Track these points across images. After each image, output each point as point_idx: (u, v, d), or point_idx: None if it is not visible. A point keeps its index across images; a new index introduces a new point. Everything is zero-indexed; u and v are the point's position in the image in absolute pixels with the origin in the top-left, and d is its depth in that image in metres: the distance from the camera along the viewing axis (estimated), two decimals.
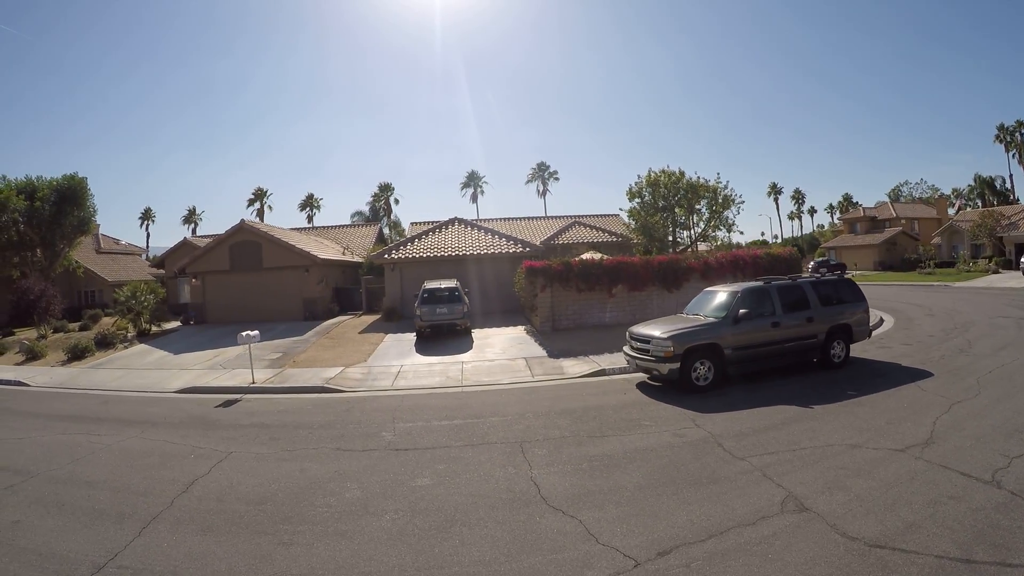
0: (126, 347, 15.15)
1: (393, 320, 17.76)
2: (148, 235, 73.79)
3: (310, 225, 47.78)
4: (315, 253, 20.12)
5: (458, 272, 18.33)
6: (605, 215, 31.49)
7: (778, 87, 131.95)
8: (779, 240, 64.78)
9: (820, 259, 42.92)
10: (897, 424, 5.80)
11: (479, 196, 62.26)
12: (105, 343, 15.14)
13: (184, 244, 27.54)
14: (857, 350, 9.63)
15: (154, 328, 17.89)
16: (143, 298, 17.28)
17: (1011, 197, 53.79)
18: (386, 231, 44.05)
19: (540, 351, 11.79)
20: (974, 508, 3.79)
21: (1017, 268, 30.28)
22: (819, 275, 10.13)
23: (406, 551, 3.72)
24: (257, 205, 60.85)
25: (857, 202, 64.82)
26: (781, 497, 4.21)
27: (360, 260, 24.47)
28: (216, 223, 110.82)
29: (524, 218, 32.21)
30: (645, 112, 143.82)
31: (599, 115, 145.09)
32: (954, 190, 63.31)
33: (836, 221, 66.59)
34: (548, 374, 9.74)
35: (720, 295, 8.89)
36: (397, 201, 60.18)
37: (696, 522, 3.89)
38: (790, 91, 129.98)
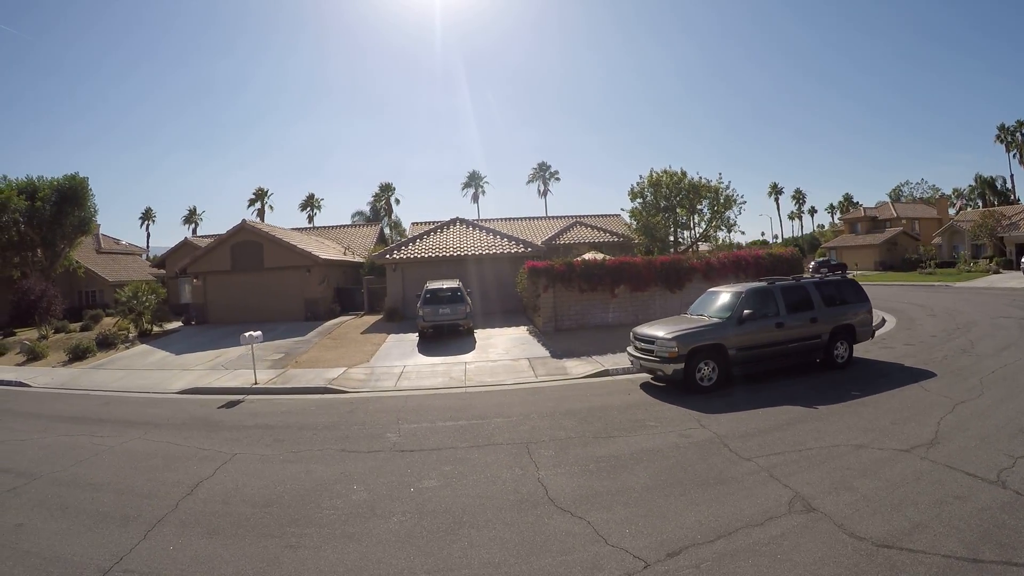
0: (127, 347, 15.13)
1: (395, 320, 17.75)
2: (148, 235, 73.82)
3: (311, 225, 47.74)
4: (316, 253, 20.10)
5: (460, 272, 18.32)
6: (606, 215, 31.48)
7: (778, 87, 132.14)
8: (779, 240, 64.81)
9: (821, 259, 42.97)
10: (902, 424, 5.81)
11: (480, 196, 62.32)
12: (106, 343, 15.12)
13: (185, 244, 27.52)
14: (860, 350, 9.64)
15: (155, 328, 17.87)
16: (144, 298, 17.26)
17: (1012, 197, 53.81)
18: (387, 231, 44.04)
19: (543, 351, 11.78)
20: (980, 508, 3.81)
21: (1018, 268, 30.29)
22: (820, 275, 10.12)
23: (415, 553, 3.71)
24: (258, 205, 60.85)
25: (858, 202, 64.88)
26: (788, 497, 4.23)
27: (361, 260, 24.46)
28: (217, 223, 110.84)
29: (525, 218, 32.20)
30: (645, 112, 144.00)
31: (599, 115, 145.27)
32: (955, 190, 63.38)
33: (836, 221, 66.62)
34: (551, 375, 9.73)
35: (724, 296, 8.88)
36: (398, 201, 60.27)
37: (704, 523, 3.89)
38: (790, 91, 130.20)
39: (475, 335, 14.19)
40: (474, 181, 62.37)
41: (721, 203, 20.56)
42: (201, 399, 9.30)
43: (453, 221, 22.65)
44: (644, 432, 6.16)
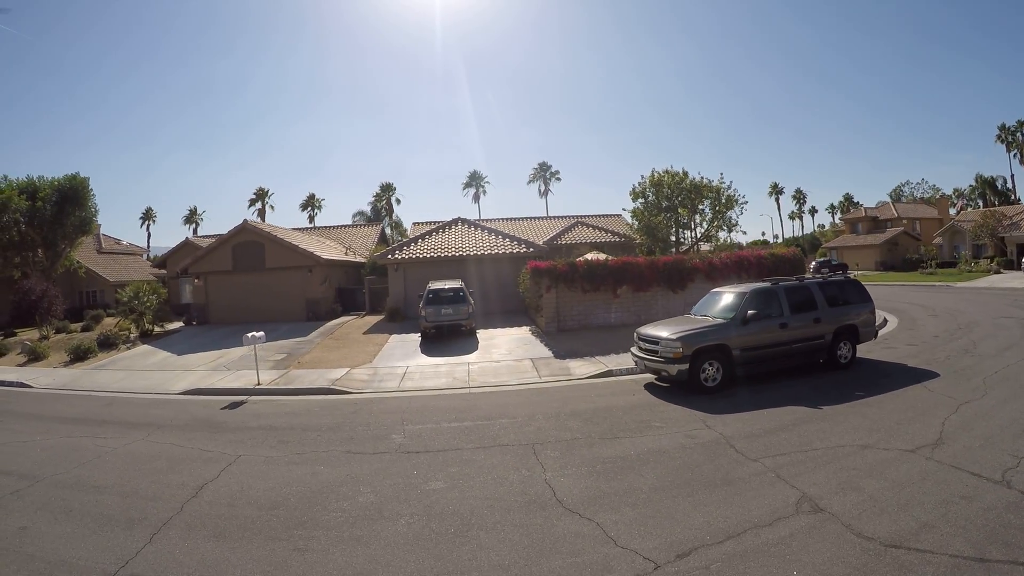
0: (129, 348, 15.11)
1: (397, 320, 17.73)
2: (149, 235, 73.82)
3: (312, 225, 47.72)
4: (318, 253, 20.08)
5: (461, 272, 18.30)
6: (607, 215, 31.48)
7: (778, 87, 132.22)
8: (779, 240, 64.82)
9: (822, 259, 43.01)
10: (906, 425, 5.83)
11: (481, 196, 62.30)
12: (108, 344, 15.09)
13: (186, 244, 27.49)
14: (863, 351, 9.65)
15: (157, 329, 17.85)
16: (146, 298, 17.24)
17: (1012, 197, 53.87)
18: (388, 231, 43.95)
19: (546, 352, 11.76)
20: (986, 508, 3.83)
21: (1019, 268, 30.33)
22: (821, 275, 10.14)
23: (424, 556, 3.69)
24: (258, 205, 60.77)
25: (858, 202, 64.91)
26: (796, 498, 4.23)
27: (363, 260, 24.44)
28: (217, 223, 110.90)
29: (526, 218, 32.19)
30: (646, 112, 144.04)
31: (600, 115, 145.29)
32: (955, 190, 63.37)
33: (837, 221, 66.62)
34: (555, 375, 9.72)
35: (728, 296, 8.88)
36: (399, 201, 60.25)
37: (713, 523, 3.90)
38: (790, 91, 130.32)
39: (477, 335, 14.18)
40: (475, 181, 62.37)
41: (723, 203, 20.55)
42: (204, 400, 9.28)
43: (455, 221, 22.64)
44: (650, 433, 6.15)
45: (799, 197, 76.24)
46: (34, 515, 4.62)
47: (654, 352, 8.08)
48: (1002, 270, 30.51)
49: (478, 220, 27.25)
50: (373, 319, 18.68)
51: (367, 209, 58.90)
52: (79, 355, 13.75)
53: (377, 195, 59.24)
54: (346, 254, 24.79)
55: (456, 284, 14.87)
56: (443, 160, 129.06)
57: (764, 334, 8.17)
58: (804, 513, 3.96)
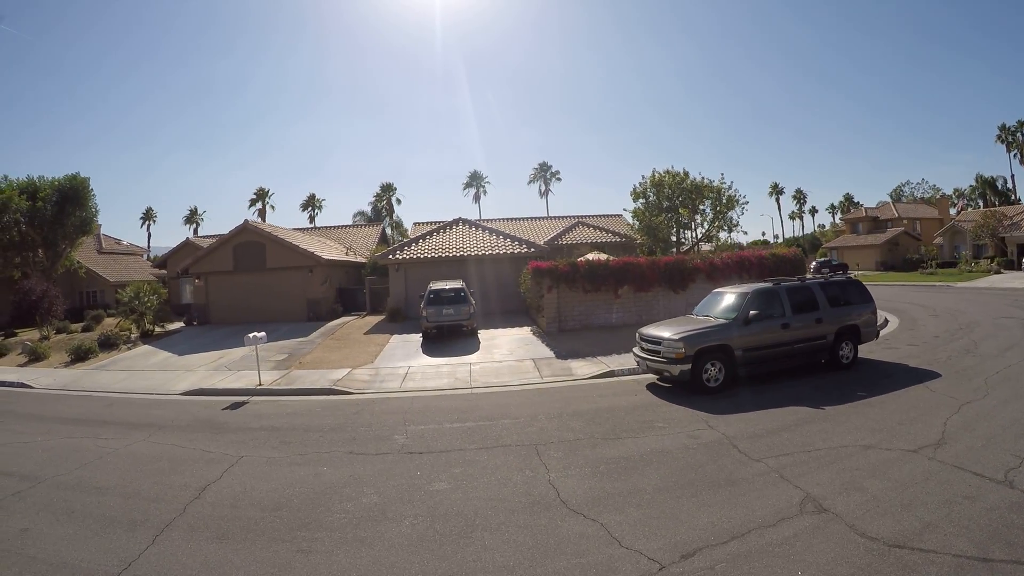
0: (130, 348, 15.09)
1: (398, 321, 17.72)
2: (149, 235, 73.80)
3: (312, 225, 47.69)
4: (319, 253, 20.07)
5: (462, 272, 18.29)
6: (608, 215, 31.48)
7: (778, 87, 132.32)
8: (780, 240, 64.78)
9: (822, 259, 43.01)
10: (908, 425, 5.84)
11: (481, 196, 62.27)
12: (108, 344, 15.08)
13: (186, 244, 27.48)
14: (864, 351, 9.65)
15: (157, 329, 17.83)
16: (146, 299, 17.22)
17: (1012, 197, 53.85)
18: (388, 231, 43.93)
19: (547, 352, 11.76)
20: (989, 508, 3.85)
21: (1019, 268, 30.34)
22: (822, 275, 10.15)
23: (429, 557, 3.68)
24: (259, 205, 60.70)
25: (858, 202, 64.91)
26: (799, 498, 4.25)
27: (363, 260, 24.43)
28: (218, 223, 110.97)
29: (527, 218, 32.18)
30: (646, 112, 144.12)
31: (600, 115, 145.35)
32: (956, 190, 63.37)
33: (837, 221, 66.58)
34: (557, 375, 9.71)
35: (730, 296, 8.87)
36: (399, 201, 60.22)
37: (717, 524, 3.90)
38: (790, 91, 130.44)
39: (479, 336, 14.17)
40: (475, 181, 62.34)
41: (723, 203, 20.54)
42: (205, 400, 9.27)
43: (456, 221, 22.63)
44: (653, 433, 6.15)
45: (799, 197, 76.21)
46: (36, 517, 4.60)
47: (656, 352, 8.08)
48: (1002, 270, 30.52)
49: (479, 220, 27.23)
50: (374, 319, 18.66)
51: (367, 209, 58.92)
52: (80, 355, 13.73)
53: (377, 195, 59.22)
54: (347, 254, 24.78)
55: (457, 284, 14.86)
56: (443, 160, 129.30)
57: (766, 334, 8.16)
58: (808, 513, 3.97)
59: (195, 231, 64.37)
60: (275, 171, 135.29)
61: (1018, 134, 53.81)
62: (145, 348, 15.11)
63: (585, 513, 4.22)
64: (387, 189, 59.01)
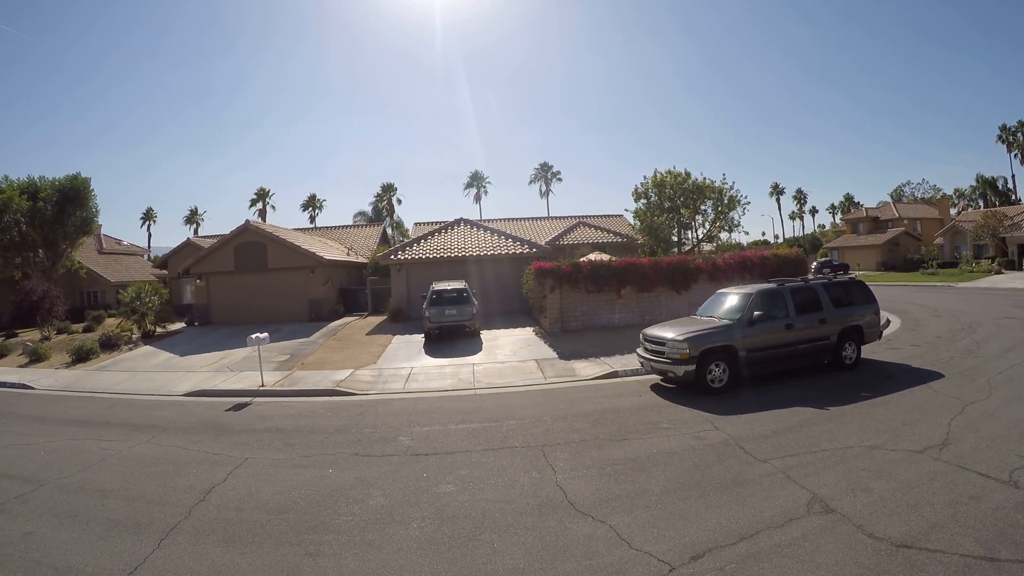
0: (131, 349, 15.06)
1: (400, 321, 17.71)
2: (150, 235, 73.77)
3: (313, 225, 47.68)
4: (320, 254, 20.05)
5: (464, 273, 18.28)
6: (609, 215, 31.49)
7: (778, 87, 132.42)
8: (780, 240, 64.79)
9: (823, 259, 43.04)
10: (913, 425, 5.85)
11: (482, 196, 62.26)
12: (110, 345, 15.05)
13: (187, 245, 27.46)
14: (867, 351, 9.64)
15: (159, 329, 17.80)
16: (148, 299, 17.19)
17: (1013, 197, 53.92)
18: (389, 231, 43.89)
19: (550, 353, 11.74)
20: (994, 508, 3.87)
21: (1020, 268, 30.35)
22: (823, 275, 10.17)
23: (438, 560, 3.67)
24: (259, 205, 60.65)
25: (859, 202, 64.95)
26: (806, 499, 4.26)
27: (364, 261, 24.42)
28: (218, 224, 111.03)
29: (528, 218, 32.18)
30: (646, 112, 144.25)
31: (600, 115, 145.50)
32: (956, 190, 63.44)
33: (838, 221, 66.58)
34: (560, 376, 9.70)
35: (733, 297, 8.87)
36: (400, 201, 60.24)
37: (726, 525, 3.91)
38: (790, 91, 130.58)
39: (481, 336, 14.15)
40: (476, 181, 62.32)
41: (725, 204, 20.54)
42: (208, 401, 9.24)
43: (457, 222, 22.62)
44: (658, 434, 6.15)
45: (800, 197, 76.24)
46: (39, 520, 4.57)
47: (660, 353, 8.07)
48: (1003, 270, 30.55)
49: (480, 220, 27.22)
50: (376, 320, 18.64)
51: (368, 209, 58.87)
52: (81, 356, 13.70)
53: (378, 195, 59.18)
54: (348, 254, 24.76)
55: (460, 285, 14.84)
56: (443, 160, 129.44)
57: (770, 335, 8.16)
58: (815, 514, 3.99)
59: (195, 231, 64.34)
60: (275, 171, 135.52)
61: (1019, 134, 53.85)
62: (146, 349, 15.09)
63: (593, 515, 4.21)
64: (388, 189, 58.98)
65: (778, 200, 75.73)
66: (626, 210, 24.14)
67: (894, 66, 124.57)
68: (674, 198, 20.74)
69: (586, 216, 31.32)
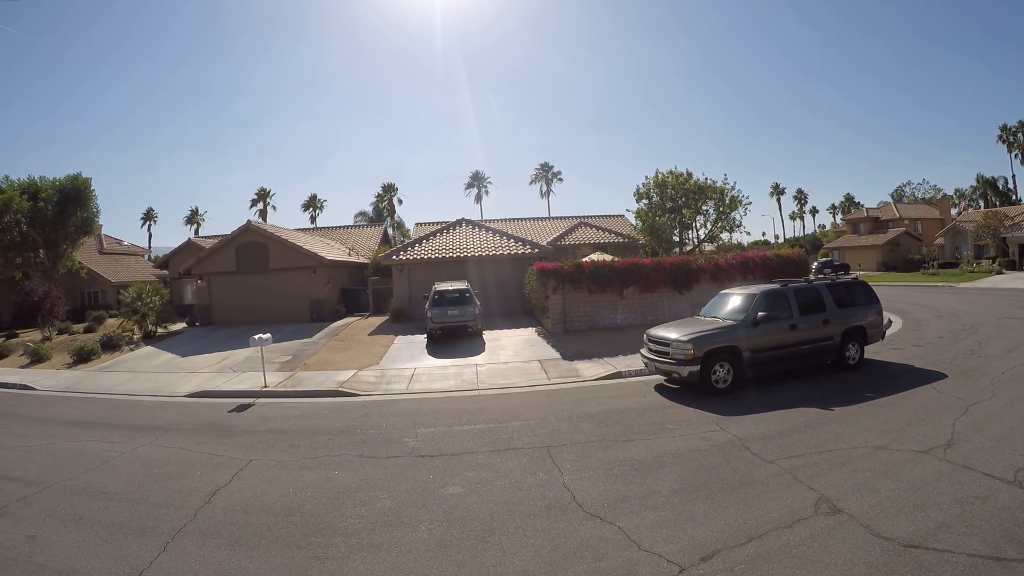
0: (132, 349, 15.03)
1: (402, 321, 17.69)
2: (150, 235, 73.66)
3: (313, 226, 47.64)
4: (322, 254, 20.03)
5: (466, 273, 18.26)
6: (610, 216, 31.50)
7: (779, 87, 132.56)
8: (780, 240, 64.82)
9: (824, 259, 43.07)
10: (917, 426, 5.86)
11: (483, 197, 62.25)
12: (111, 345, 15.01)
13: (188, 245, 27.44)
14: (870, 352, 9.64)
15: (160, 330, 17.77)
16: (149, 299, 17.16)
17: (1013, 197, 53.92)
18: (390, 232, 43.85)
19: (553, 353, 11.73)
20: (1000, 507, 3.89)
21: (1021, 269, 30.36)
22: (823, 275, 10.18)
23: (447, 563, 3.66)
24: (260, 206, 60.55)
25: (859, 202, 65.04)
26: (814, 499, 4.27)
27: (365, 261, 24.41)
28: (219, 224, 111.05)
29: (529, 219, 32.20)
30: (646, 112, 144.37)
31: (600, 115, 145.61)
32: (956, 190, 63.45)
33: (838, 221, 66.62)
34: (564, 377, 9.69)
35: (737, 298, 8.86)
36: (400, 201, 60.22)
37: (734, 526, 3.91)
38: (791, 91, 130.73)
39: (483, 337, 14.12)
40: (477, 181, 62.31)
41: (727, 204, 20.55)
42: (211, 402, 9.22)
43: (459, 222, 22.61)
44: (664, 435, 6.14)
45: (800, 197, 76.20)
46: (43, 523, 4.53)
47: (665, 354, 8.06)
48: (1004, 271, 30.57)
49: (482, 221, 27.23)
50: (377, 320, 18.63)
51: (369, 209, 58.80)
52: (82, 357, 13.66)
53: (379, 195, 59.13)
54: (349, 255, 24.74)
55: (462, 285, 14.82)
56: (443, 160, 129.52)
57: (774, 336, 8.16)
58: (823, 514, 4.00)
59: (196, 231, 64.31)
60: (276, 171, 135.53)
61: (1019, 134, 53.82)
62: (148, 349, 15.06)
63: (602, 516, 4.21)
64: (388, 189, 58.93)
65: (778, 200, 75.76)
66: (627, 210, 24.21)
67: (894, 66, 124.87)
68: (676, 198, 20.75)
69: (587, 216, 31.33)
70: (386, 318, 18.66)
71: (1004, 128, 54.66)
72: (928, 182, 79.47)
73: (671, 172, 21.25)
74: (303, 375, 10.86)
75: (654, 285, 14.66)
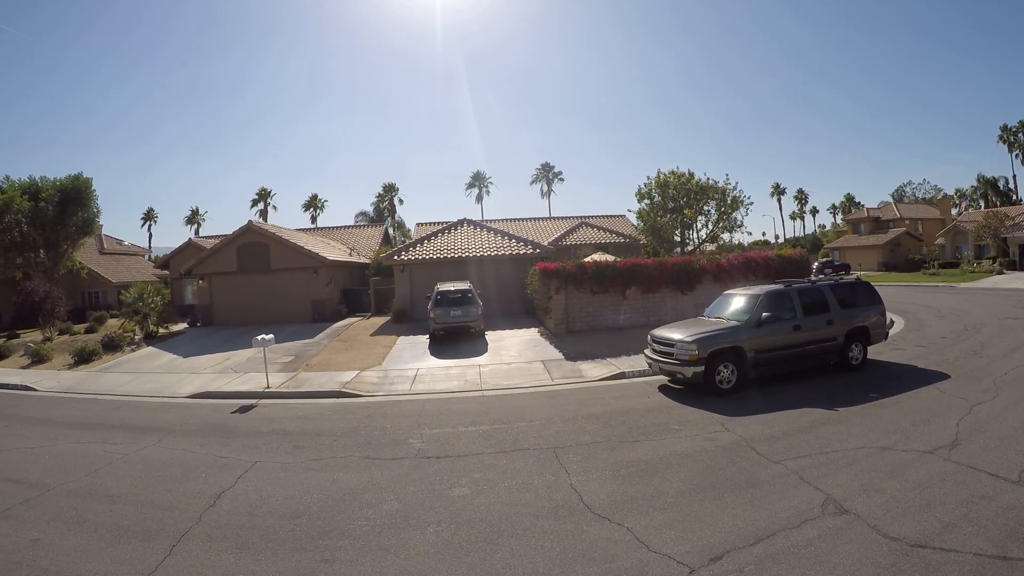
0: (133, 350, 15.01)
1: (403, 322, 17.67)
2: (151, 236, 73.54)
3: (314, 226, 47.64)
4: (323, 254, 20.00)
5: (467, 273, 18.24)
6: (611, 216, 31.50)
7: (778, 87, 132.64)
8: (780, 240, 64.83)
9: (824, 259, 43.07)
10: (922, 426, 5.87)
11: (484, 197, 62.23)
12: (112, 346, 14.98)
13: (189, 245, 27.41)
14: (873, 352, 9.64)
15: (161, 330, 17.74)
16: (150, 300, 17.13)
17: (1014, 198, 53.94)
18: (391, 232, 43.85)
19: (556, 354, 11.72)
20: (1005, 507, 3.90)
21: (1022, 269, 30.37)
22: (825, 276, 10.17)
23: (456, 565, 3.64)
24: (260, 206, 60.48)
25: (860, 202, 65.06)
26: (820, 500, 4.28)
27: (367, 261, 24.39)
28: (219, 224, 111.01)
29: (530, 219, 32.19)
30: (646, 112, 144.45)
31: (600, 115, 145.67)
32: (957, 190, 63.46)
33: (839, 221, 66.64)
34: (567, 377, 9.68)
35: (741, 298, 8.86)
36: (401, 201, 60.25)
37: (742, 527, 3.92)
38: (791, 91, 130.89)
39: (486, 337, 14.11)
40: (478, 181, 62.31)
41: (728, 204, 20.55)
42: (213, 403, 9.20)
43: (460, 222, 22.60)
44: (670, 435, 6.14)
45: (801, 197, 76.20)
46: (46, 526, 4.50)
47: (669, 355, 8.05)
48: (1005, 271, 30.58)
49: (483, 221, 27.22)
50: (379, 320, 18.61)
51: (370, 209, 58.79)
52: (83, 357, 13.63)
53: (380, 195, 59.10)
54: (350, 255, 24.72)
55: (465, 286, 14.80)
56: (444, 160, 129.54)
57: (778, 336, 8.16)
58: (830, 515, 4.01)
59: (196, 231, 64.26)
60: (276, 171, 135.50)
61: (1020, 134, 53.85)
62: (149, 350, 15.03)
63: (610, 517, 4.20)
64: (389, 189, 58.89)
65: (779, 200, 75.76)
66: (629, 210, 24.25)
67: (894, 66, 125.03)
68: (677, 198, 20.74)
69: (588, 216, 31.32)
70: (388, 318, 18.64)
71: (1005, 128, 54.72)
72: (928, 182, 79.58)
73: (673, 172, 21.25)
74: (306, 376, 10.84)
75: (656, 285, 14.65)
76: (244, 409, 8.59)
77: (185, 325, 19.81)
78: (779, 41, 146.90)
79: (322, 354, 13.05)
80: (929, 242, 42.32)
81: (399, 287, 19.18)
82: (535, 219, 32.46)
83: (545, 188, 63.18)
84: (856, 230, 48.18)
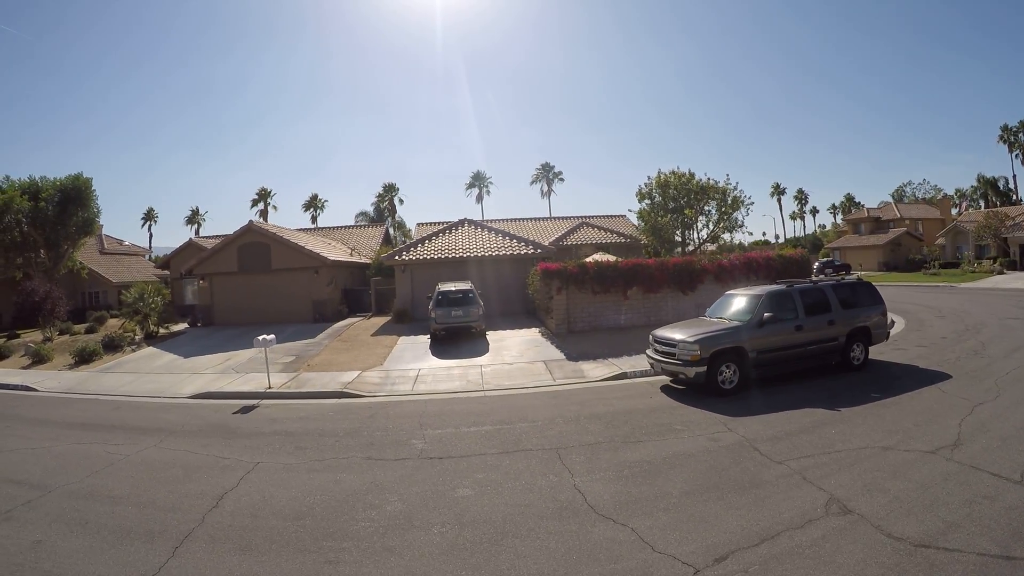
0: (134, 350, 14.99)
1: (404, 322, 17.66)
2: (151, 236, 73.51)
3: (314, 226, 47.63)
4: (324, 254, 19.99)
5: (468, 273, 18.24)
6: (611, 216, 31.51)
7: (778, 87, 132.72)
8: (781, 241, 64.82)
9: (824, 259, 43.08)
10: (924, 426, 5.87)
11: (484, 197, 62.22)
12: (112, 346, 14.97)
13: (189, 245, 27.40)
14: (874, 352, 9.64)
15: (161, 330, 17.72)
16: (151, 300, 17.12)
17: (1014, 198, 53.95)
18: (391, 232, 43.81)
19: (558, 354, 11.71)
20: (1008, 507, 3.91)
21: (1022, 269, 30.38)
22: (826, 276, 10.17)
23: (461, 566, 3.64)
24: (261, 206, 60.47)
25: (860, 202, 65.07)
26: (824, 500, 4.28)
27: (367, 261, 24.37)
28: (220, 224, 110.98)
29: (530, 219, 32.18)
30: (646, 112, 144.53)
31: (600, 115, 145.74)
32: (957, 190, 63.45)
33: (839, 221, 66.65)
34: (568, 377, 9.67)
35: (743, 298, 8.86)
36: (401, 201, 60.21)
37: (746, 527, 3.92)
38: (791, 91, 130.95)
39: (487, 337, 14.11)
40: (479, 181, 62.30)
41: (729, 204, 20.56)
42: (215, 404, 9.19)
43: (461, 222, 22.59)
44: (673, 436, 6.14)
45: (801, 197, 76.22)
46: (48, 528, 4.49)
47: (671, 355, 8.05)
48: (1005, 271, 30.60)
49: (484, 221, 27.21)
50: (380, 320, 18.60)
51: (370, 209, 58.74)
52: (84, 357, 13.62)
53: (380, 195, 59.07)
54: (351, 255, 24.71)
55: (466, 286, 14.80)
56: (444, 160, 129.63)
57: (780, 336, 8.16)
58: (834, 515, 4.02)
59: (197, 231, 64.23)
60: (277, 171, 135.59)
61: (1020, 134, 53.85)
62: (150, 350, 15.02)
63: (615, 518, 4.20)
64: (389, 189, 58.87)
65: (779, 200, 75.76)
66: (629, 210, 24.30)
67: (894, 66, 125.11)
68: (678, 198, 20.76)
69: (589, 216, 31.33)
70: (389, 318, 18.63)
71: (1005, 128, 54.73)
72: (929, 182, 79.56)
73: (673, 172, 21.27)
74: (307, 376, 10.83)
75: (658, 285, 14.65)
76: (246, 410, 8.58)
77: (186, 325, 19.80)
78: (779, 41, 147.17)
79: (323, 354, 13.04)
80: (929, 242, 42.32)
81: (400, 287, 19.18)
82: (535, 219, 32.45)
83: (545, 188, 63.21)
84: (856, 230, 48.19)
